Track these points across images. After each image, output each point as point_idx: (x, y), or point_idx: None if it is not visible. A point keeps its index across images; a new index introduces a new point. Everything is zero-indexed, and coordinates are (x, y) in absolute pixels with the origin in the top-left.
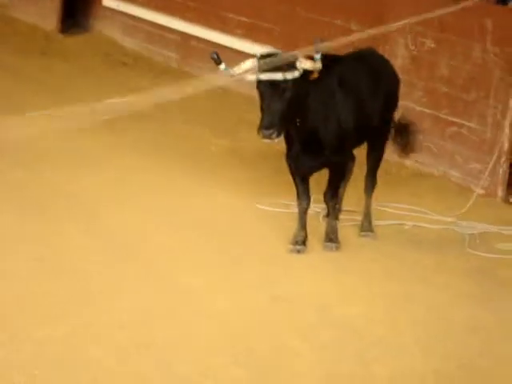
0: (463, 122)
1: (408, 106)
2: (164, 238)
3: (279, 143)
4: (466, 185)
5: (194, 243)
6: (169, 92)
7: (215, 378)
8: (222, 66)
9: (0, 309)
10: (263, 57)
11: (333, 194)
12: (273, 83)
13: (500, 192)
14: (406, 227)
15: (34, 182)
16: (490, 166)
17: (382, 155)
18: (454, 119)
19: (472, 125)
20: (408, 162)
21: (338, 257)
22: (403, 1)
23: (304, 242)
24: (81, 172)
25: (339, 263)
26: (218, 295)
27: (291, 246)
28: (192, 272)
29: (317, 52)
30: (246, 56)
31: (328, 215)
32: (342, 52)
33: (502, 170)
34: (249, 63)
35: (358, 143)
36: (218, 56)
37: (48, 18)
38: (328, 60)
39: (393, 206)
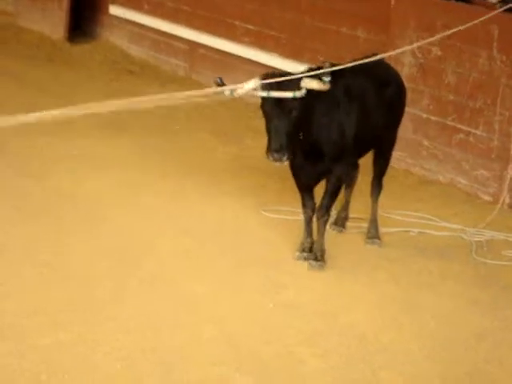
0: (470, 129)
1: (415, 113)
2: (169, 244)
3: None
4: (473, 192)
5: (200, 249)
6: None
7: (219, 383)
8: (227, 92)
9: (6, 316)
10: (267, 76)
11: (326, 209)
12: (279, 103)
13: (507, 199)
14: (413, 234)
15: (38, 187)
16: (497, 173)
17: (388, 162)
18: (461, 126)
19: (479, 132)
20: (415, 169)
21: (344, 264)
22: (409, 8)
23: (310, 249)
24: (86, 177)
25: (345, 270)
26: (223, 301)
27: (298, 253)
28: (197, 278)
29: (326, 75)
30: (253, 64)
31: (319, 231)
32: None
33: (509, 176)
34: (252, 83)
35: (363, 152)
36: (222, 81)
37: (55, 27)
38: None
39: (399, 213)
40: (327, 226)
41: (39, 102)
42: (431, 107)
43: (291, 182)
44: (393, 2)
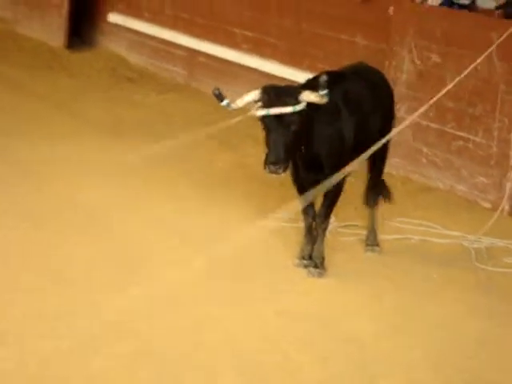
0: (469, 136)
1: (414, 120)
2: (169, 251)
3: None
4: (473, 199)
5: (200, 256)
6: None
7: None
8: (225, 103)
9: (7, 322)
10: (266, 89)
11: (326, 216)
12: (279, 117)
13: (507, 206)
14: (413, 241)
15: (39, 193)
16: (497, 179)
17: (383, 168)
18: (460, 133)
19: (478, 139)
20: (414, 177)
21: (344, 271)
22: (409, 15)
23: (310, 257)
24: (87, 183)
25: (345, 277)
26: (224, 308)
27: (297, 260)
28: (196, 285)
29: (322, 87)
30: (253, 71)
31: (318, 238)
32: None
33: (509, 184)
34: (251, 95)
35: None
36: (220, 92)
37: (54, 34)
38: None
39: (399, 221)
40: (326, 233)
41: (39, 109)
42: (430, 114)
43: (291, 190)
44: (392, 9)
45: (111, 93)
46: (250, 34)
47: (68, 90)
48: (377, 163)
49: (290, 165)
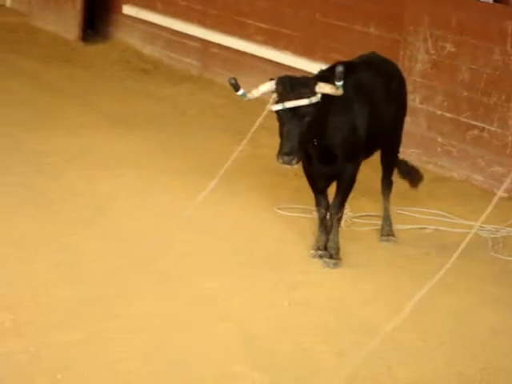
0: (484, 125)
1: (429, 110)
2: (183, 242)
3: None
4: (489, 188)
5: (213, 247)
6: None
7: (236, 381)
8: (240, 92)
9: (21, 314)
10: (281, 80)
11: (340, 206)
12: (293, 108)
13: None
14: (428, 231)
15: (52, 185)
16: None
17: (396, 158)
18: (476, 123)
19: (493, 128)
20: (429, 166)
21: (359, 261)
22: (422, 4)
23: (325, 247)
24: (100, 176)
25: (361, 268)
26: (238, 300)
27: (313, 251)
28: (211, 276)
29: (339, 79)
30: (266, 62)
31: (331, 230)
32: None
33: None
34: (266, 86)
35: (373, 150)
36: (237, 82)
37: (69, 27)
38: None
39: (414, 211)
40: (341, 224)
41: (55, 102)
42: (445, 104)
43: (305, 181)
44: None
45: (125, 84)
46: (263, 25)
47: (82, 82)
48: (390, 153)
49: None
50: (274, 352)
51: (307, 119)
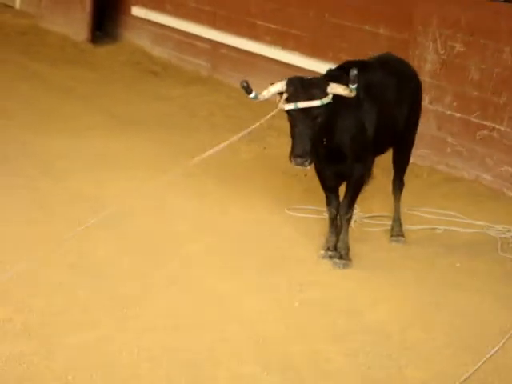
0: (494, 125)
1: (439, 110)
2: (194, 244)
3: None
4: (498, 188)
5: (223, 249)
6: None
7: (247, 382)
8: (252, 95)
9: (32, 316)
10: (292, 81)
11: (349, 207)
12: (305, 109)
13: None
14: (438, 231)
15: (61, 188)
16: None
17: (408, 160)
18: (485, 122)
19: (503, 128)
20: (440, 167)
21: (369, 262)
22: (431, 4)
23: (335, 248)
24: (109, 177)
25: (371, 268)
26: (249, 300)
27: (322, 252)
28: (221, 277)
29: (353, 82)
30: (276, 63)
31: (343, 229)
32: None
33: None
34: (277, 86)
35: (384, 149)
36: (248, 84)
37: (78, 29)
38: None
39: (424, 211)
40: (351, 224)
41: (63, 103)
42: (455, 104)
43: (315, 181)
44: None
45: (134, 86)
46: (272, 25)
47: (91, 83)
48: (402, 154)
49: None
50: (284, 353)
51: (319, 120)
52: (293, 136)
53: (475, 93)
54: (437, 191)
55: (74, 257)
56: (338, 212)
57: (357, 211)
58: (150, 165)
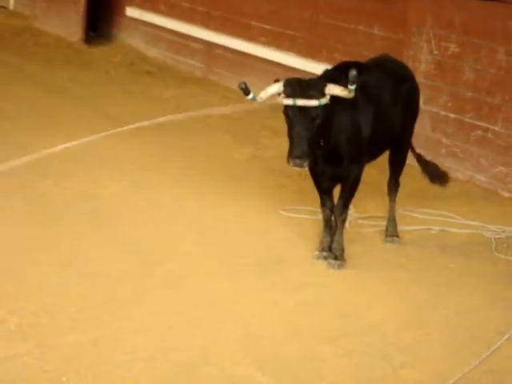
0: (488, 125)
1: (433, 110)
2: (189, 244)
3: None
4: (493, 189)
5: (218, 248)
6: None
7: (241, 383)
8: (251, 96)
9: (26, 316)
10: (289, 82)
11: (344, 208)
12: (303, 111)
13: None
14: (433, 232)
15: (57, 188)
16: None
17: (404, 160)
18: (480, 123)
19: (497, 128)
20: None
21: (364, 262)
22: (426, 4)
23: (330, 248)
24: (105, 178)
25: (365, 269)
26: (243, 301)
27: (317, 252)
28: (216, 278)
29: (352, 82)
30: (270, 64)
31: (337, 230)
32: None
33: None
34: (274, 87)
35: (380, 151)
36: (247, 86)
37: (72, 29)
38: (349, 66)
39: (419, 211)
40: (346, 225)
41: (58, 104)
42: (449, 104)
43: (309, 182)
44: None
45: (129, 87)
46: (267, 26)
47: (86, 84)
48: (398, 156)
49: None
50: (279, 353)
51: (317, 121)
52: (291, 137)
53: (469, 93)
54: (431, 192)
55: (70, 258)
56: (332, 213)
57: (352, 212)
58: (146, 165)
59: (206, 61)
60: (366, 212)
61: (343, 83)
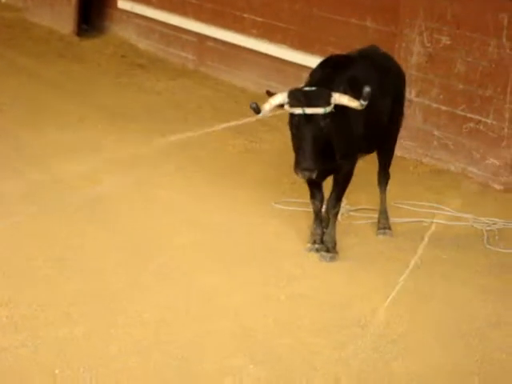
0: (480, 117)
1: (425, 103)
2: (182, 237)
3: None
4: (484, 181)
5: (211, 241)
6: None
7: (234, 375)
8: (261, 114)
9: (19, 309)
10: (293, 93)
11: (337, 201)
12: (310, 122)
13: None
14: (425, 224)
15: (52, 182)
16: (508, 161)
17: (392, 152)
18: (471, 115)
19: (489, 120)
20: (425, 159)
21: (356, 255)
22: None
23: (322, 241)
24: (98, 172)
25: (357, 261)
26: (236, 294)
27: (309, 245)
28: (208, 270)
29: (365, 99)
30: (262, 56)
31: (327, 224)
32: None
33: None
34: (278, 98)
35: (372, 145)
36: (258, 106)
37: (64, 22)
38: (337, 61)
39: (411, 204)
40: (338, 217)
41: (50, 96)
42: (441, 97)
43: None
44: None
45: (121, 79)
46: (259, 18)
47: (78, 76)
48: (387, 147)
49: None
50: (271, 346)
51: (325, 131)
52: (298, 148)
53: (461, 86)
54: (423, 184)
55: (62, 251)
56: (322, 204)
57: (344, 204)
58: (138, 158)
59: (198, 53)
60: (358, 204)
61: (343, 90)
